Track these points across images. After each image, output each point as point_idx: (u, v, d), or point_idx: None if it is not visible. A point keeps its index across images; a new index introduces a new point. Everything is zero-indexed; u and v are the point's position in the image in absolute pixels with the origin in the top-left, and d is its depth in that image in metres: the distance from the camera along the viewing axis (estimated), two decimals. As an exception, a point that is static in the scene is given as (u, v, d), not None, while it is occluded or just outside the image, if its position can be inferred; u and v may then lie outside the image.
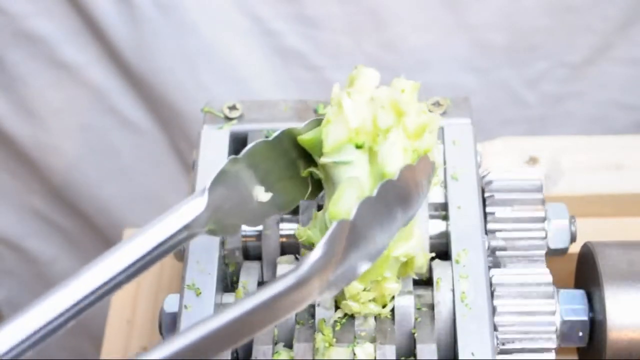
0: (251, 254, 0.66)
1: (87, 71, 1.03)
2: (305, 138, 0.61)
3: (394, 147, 0.59)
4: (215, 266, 0.63)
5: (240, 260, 0.66)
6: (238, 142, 0.69)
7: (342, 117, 0.60)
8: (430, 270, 0.63)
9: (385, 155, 0.59)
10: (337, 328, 0.61)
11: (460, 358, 0.59)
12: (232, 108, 0.70)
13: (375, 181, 0.59)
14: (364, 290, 0.60)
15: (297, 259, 0.64)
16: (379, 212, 0.55)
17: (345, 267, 0.53)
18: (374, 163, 0.59)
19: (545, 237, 0.65)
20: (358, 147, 0.59)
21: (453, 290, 0.61)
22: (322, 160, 0.60)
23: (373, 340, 0.60)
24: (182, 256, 0.65)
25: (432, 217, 0.65)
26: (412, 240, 0.61)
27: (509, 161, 0.79)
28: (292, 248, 0.65)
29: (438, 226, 0.65)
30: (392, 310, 0.62)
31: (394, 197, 0.56)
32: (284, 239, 0.66)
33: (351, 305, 0.61)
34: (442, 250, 0.65)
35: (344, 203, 0.58)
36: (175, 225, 0.56)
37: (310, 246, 0.60)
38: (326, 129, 0.60)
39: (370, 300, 0.61)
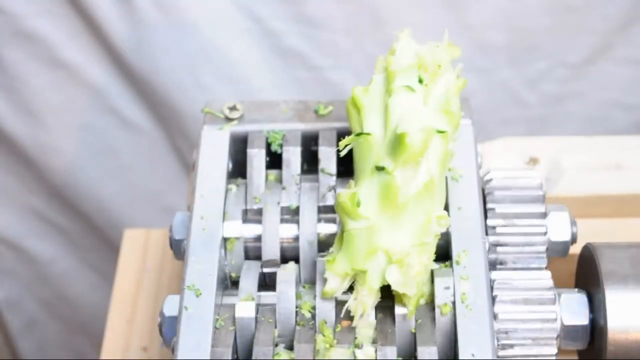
0: (251, 255, 0.66)
1: (87, 71, 1.03)
2: (360, 88, 0.64)
3: (450, 88, 0.64)
4: (215, 266, 0.63)
5: (240, 262, 0.66)
6: (238, 143, 0.69)
7: (410, 49, 0.65)
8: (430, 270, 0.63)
9: (439, 93, 0.63)
10: (338, 329, 0.61)
11: (460, 359, 0.59)
12: (233, 108, 0.70)
13: (432, 116, 0.62)
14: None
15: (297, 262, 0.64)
16: None
17: None
18: (429, 101, 0.63)
19: (546, 238, 0.65)
20: (420, 81, 0.63)
21: (454, 292, 0.61)
22: (393, 85, 0.63)
23: (374, 342, 0.60)
24: (182, 256, 0.65)
25: (432, 217, 0.65)
26: None
27: (509, 161, 0.79)
28: (292, 250, 0.65)
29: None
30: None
31: None
32: (283, 241, 0.66)
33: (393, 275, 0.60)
34: (442, 251, 0.65)
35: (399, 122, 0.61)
36: None
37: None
38: (393, 63, 0.64)
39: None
